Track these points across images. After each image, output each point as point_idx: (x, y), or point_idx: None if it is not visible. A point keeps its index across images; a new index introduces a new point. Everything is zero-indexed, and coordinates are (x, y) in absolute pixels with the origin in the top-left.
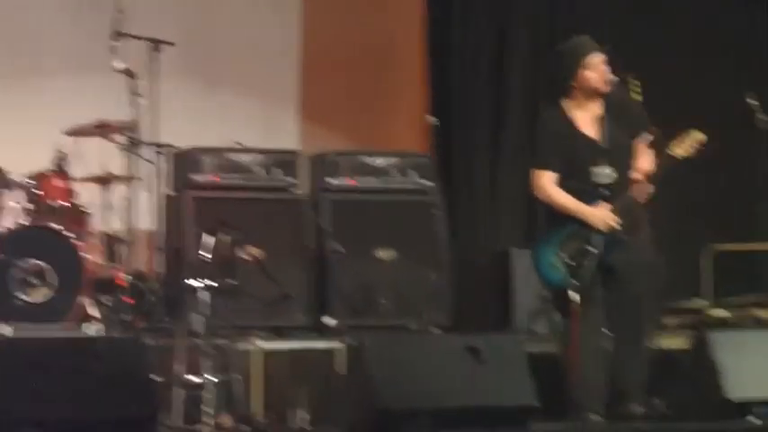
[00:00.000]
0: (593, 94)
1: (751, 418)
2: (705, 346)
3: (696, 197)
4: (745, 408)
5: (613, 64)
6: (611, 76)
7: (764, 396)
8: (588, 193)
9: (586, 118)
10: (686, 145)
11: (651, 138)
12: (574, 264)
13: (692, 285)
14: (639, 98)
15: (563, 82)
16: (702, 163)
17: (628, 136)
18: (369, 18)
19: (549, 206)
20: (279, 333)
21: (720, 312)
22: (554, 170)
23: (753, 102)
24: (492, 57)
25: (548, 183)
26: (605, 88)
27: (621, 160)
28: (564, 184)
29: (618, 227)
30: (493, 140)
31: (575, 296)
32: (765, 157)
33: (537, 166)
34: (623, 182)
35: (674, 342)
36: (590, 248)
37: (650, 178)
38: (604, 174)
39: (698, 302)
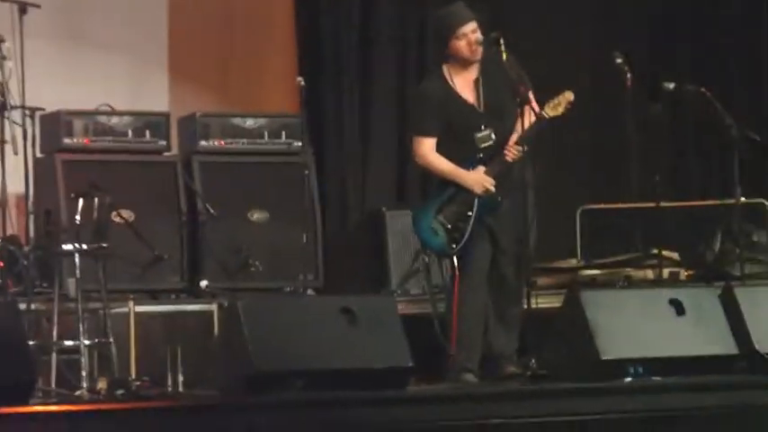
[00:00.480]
0: (466, 61)
1: (625, 378)
2: (578, 306)
3: (568, 157)
4: (618, 367)
5: (485, 25)
6: (479, 39)
7: (638, 355)
8: (469, 158)
9: (465, 83)
10: (557, 105)
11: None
12: (450, 227)
13: (567, 245)
14: (506, 55)
15: (440, 50)
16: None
17: (509, 97)
18: None
19: (428, 172)
20: (153, 296)
21: (592, 272)
22: (432, 136)
23: (620, 61)
24: (361, 17)
25: (426, 149)
26: (474, 57)
27: (502, 123)
28: (446, 150)
29: (493, 189)
30: (363, 101)
31: (454, 259)
32: (633, 116)
33: (416, 133)
34: (503, 145)
35: (548, 302)
36: (468, 212)
37: (522, 139)
38: (484, 137)
39: (571, 262)
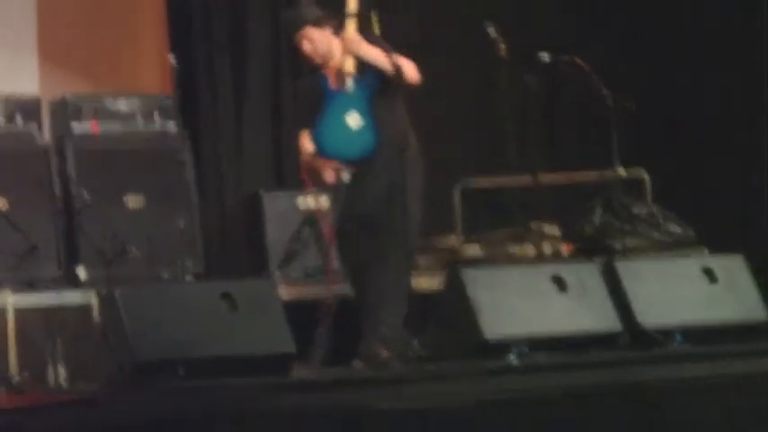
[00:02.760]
0: None
1: (510, 357)
2: (459, 285)
3: (445, 131)
4: (502, 346)
5: None
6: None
7: (521, 333)
8: None
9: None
10: None
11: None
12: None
13: (445, 222)
14: (378, 32)
15: None
16: (450, 96)
17: (377, 78)
18: None
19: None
20: (31, 285)
21: (473, 249)
22: (307, 127)
23: (493, 31)
24: None
25: (303, 140)
26: (320, 60)
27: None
28: None
29: (345, 177)
30: (237, 81)
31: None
32: (508, 87)
33: (297, 128)
34: None
35: (429, 282)
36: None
37: None
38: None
39: (451, 240)
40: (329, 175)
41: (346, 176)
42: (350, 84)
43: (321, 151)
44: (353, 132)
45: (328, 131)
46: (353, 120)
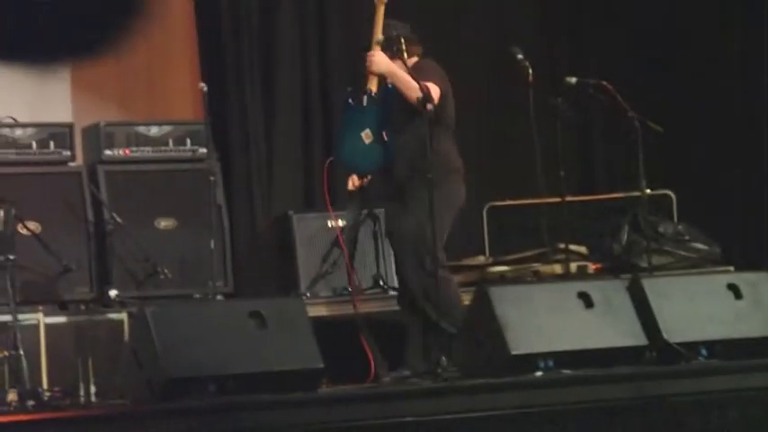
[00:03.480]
0: None
1: (536, 373)
2: (487, 302)
3: (473, 154)
4: (529, 362)
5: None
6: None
7: (547, 349)
8: None
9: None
10: None
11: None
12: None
13: (474, 243)
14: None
15: None
16: (478, 119)
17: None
18: None
19: None
20: (63, 307)
21: (500, 268)
22: None
23: (520, 56)
24: (262, 21)
25: None
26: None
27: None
28: None
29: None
30: (267, 105)
31: None
32: (535, 111)
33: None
34: None
35: None
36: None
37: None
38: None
39: (479, 259)
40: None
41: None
42: (365, 100)
43: (338, 159)
44: (365, 146)
45: (343, 142)
46: (366, 135)
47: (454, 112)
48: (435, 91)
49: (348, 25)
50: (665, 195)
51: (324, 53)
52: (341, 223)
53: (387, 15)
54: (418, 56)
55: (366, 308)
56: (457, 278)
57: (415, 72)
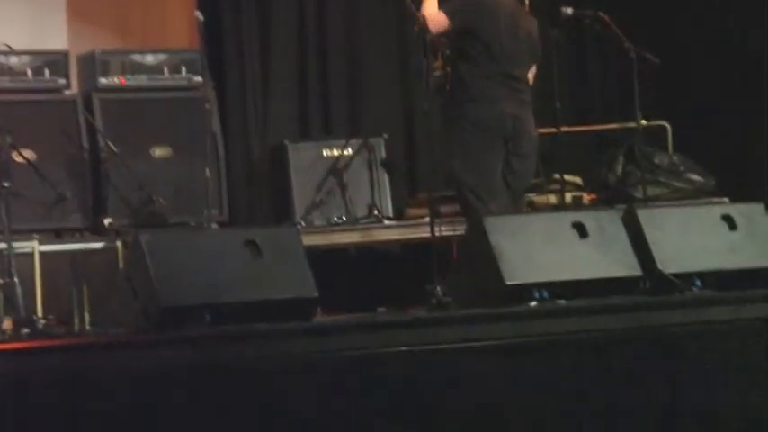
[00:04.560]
0: None
1: (531, 303)
2: (481, 232)
3: None
4: (523, 292)
5: None
6: None
7: (542, 279)
8: None
9: None
10: None
11: None
12: None
13: None
14: None
15: None
16: None
17: None
18: None
19: None
20: (58, 235)
21: None
22: None
23: None
24: None
25: None
26: None
27: None
28: None
29: None
30: (263, 34)
31: None
32: None
33: None
34: None
35: (452, 229)
36: None
37: None
38: None
39: None
40: None
41: None
42: None
43: None
44: None
45: None
46: None
47: (495, 49)
48: (435, 21)
49: None
50: (661, 126)
51: None
52: (335, 153)
53: None
54: None
55: (361, 237)
56: (452, 208)
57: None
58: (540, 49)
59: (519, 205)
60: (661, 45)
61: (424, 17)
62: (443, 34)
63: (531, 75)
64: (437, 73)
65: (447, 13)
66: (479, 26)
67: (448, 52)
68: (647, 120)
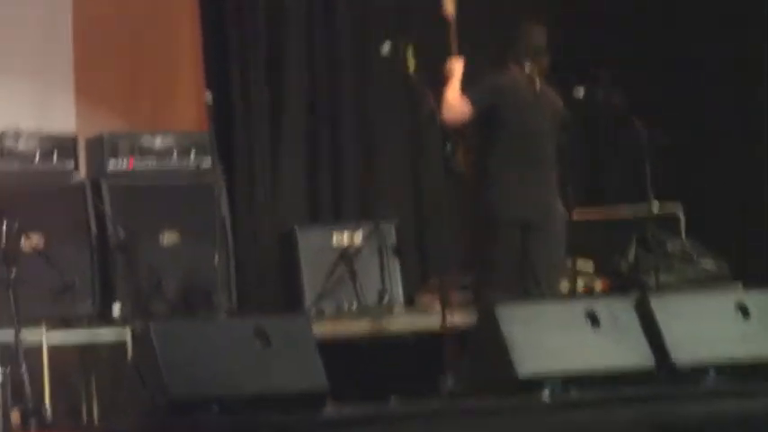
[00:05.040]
0: None
1: (543, 394)
2: (493, 320)
3: None
4: (536, 382)
5: None
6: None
7: (555, 369)
8: None
9: None
10: None
11: None
12: None
13: None
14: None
15: None
16: None
17: None
18: None
19: None
20: (66, 323)
21: None
22: None
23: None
24: (268, 33)
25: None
26: None
27: None
28: None
29: None
30: (273, 118)
31: None
32: None
33: None
34: None
35: (464, 318)
36: None
37: None
38: None
39: None
40: None
41: None
42: None
43: None
44: None
45: None
46: None
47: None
48: (458, 108)
49: (356, 38)
50: (673, 212)
51: (332, 66)
52: (345, 238)
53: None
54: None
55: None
56: (464, 295)
57: None
58: (567, 119)
59: (552, 284)
60: (674, 126)
61: (436, 101)
62: (466, 122)
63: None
64: (459, 166)
65: (470, 98)
66: (503, 108)
67: (471, 141)
68: (659, 201)
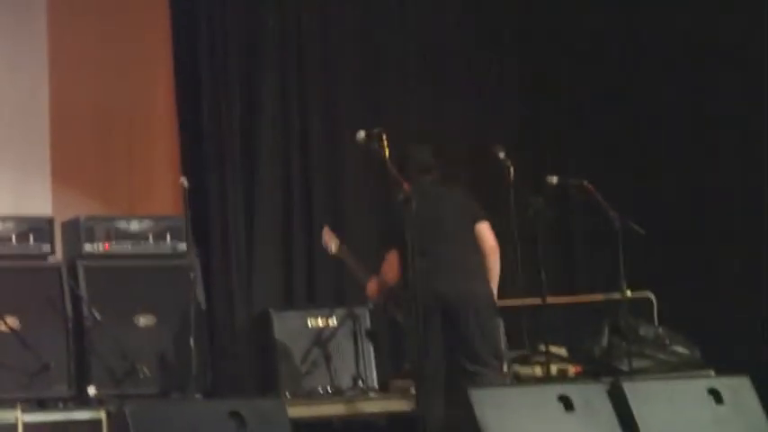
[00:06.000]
0: None
1: None
2: (467, 405)
3: None
4: None
5: None
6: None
7: None
8: None
9: None
10: None
11: None
12: None
13: None
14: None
15: None
16: None
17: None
18: (116, 80)
19: None
20: (41, 404)
21: None
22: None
23: (502, 155)
24: (242, 115)
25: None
26: None
27: None
28: None
29: None
30: (248, 202)
31: None
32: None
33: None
34: None
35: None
36: None
37: None
38: None
39: None
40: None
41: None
42: None
43: None
44: None
45: None
46: None
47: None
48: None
49: (330, 120)
50: (646, 298)
51: (306, 150)
52: (319, 322)
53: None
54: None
55: (346, 409)
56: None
57: None
58: (477, 209)
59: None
60: (645, 215)
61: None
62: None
63: (486, 232)
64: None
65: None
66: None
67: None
68: (632, 290)
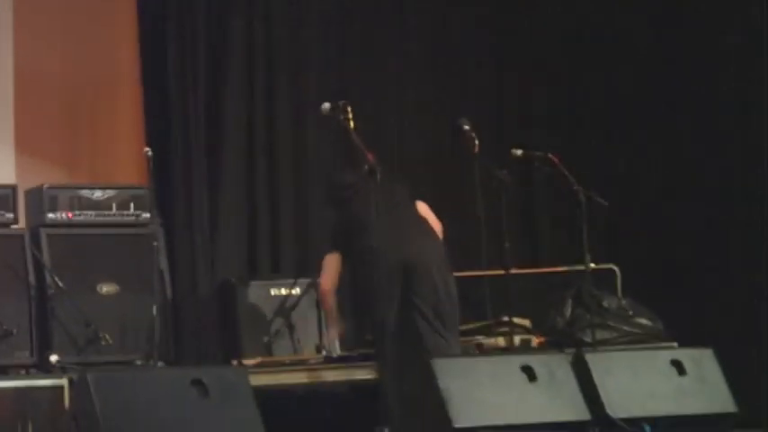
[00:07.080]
0: None
1: None
2: (430, 374)
3: None
4: None
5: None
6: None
7: (491, 423)
8: None
9: None
10: None
11: None
12: None
13: None
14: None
15: None
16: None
17: None
18: (81, 49)
19: None
20: (3, 371)
21: None
22: None
23: (467, 127)
24: (208, 86)
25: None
26: None
27: None
28: None
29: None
30: (212, 172)
31: None
32: (480, 182)
33: None
34: None
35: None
36: None
37: None
38: None
39: None
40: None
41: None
42: None
43: None
44: None
45: None
46: None
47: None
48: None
49: (295, 94)
50: (610, 269)
51: (272, 119)
52: (283, 292)
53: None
54: None
55: (309, 377)
56: None
57: None
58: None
59: None
60: (610, 187)
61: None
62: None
63: (426, 208)
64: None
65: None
66: (356, 235)
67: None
68: (595, 263)
